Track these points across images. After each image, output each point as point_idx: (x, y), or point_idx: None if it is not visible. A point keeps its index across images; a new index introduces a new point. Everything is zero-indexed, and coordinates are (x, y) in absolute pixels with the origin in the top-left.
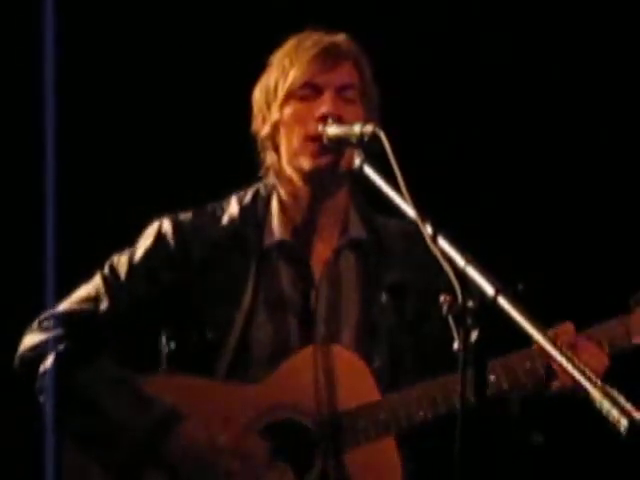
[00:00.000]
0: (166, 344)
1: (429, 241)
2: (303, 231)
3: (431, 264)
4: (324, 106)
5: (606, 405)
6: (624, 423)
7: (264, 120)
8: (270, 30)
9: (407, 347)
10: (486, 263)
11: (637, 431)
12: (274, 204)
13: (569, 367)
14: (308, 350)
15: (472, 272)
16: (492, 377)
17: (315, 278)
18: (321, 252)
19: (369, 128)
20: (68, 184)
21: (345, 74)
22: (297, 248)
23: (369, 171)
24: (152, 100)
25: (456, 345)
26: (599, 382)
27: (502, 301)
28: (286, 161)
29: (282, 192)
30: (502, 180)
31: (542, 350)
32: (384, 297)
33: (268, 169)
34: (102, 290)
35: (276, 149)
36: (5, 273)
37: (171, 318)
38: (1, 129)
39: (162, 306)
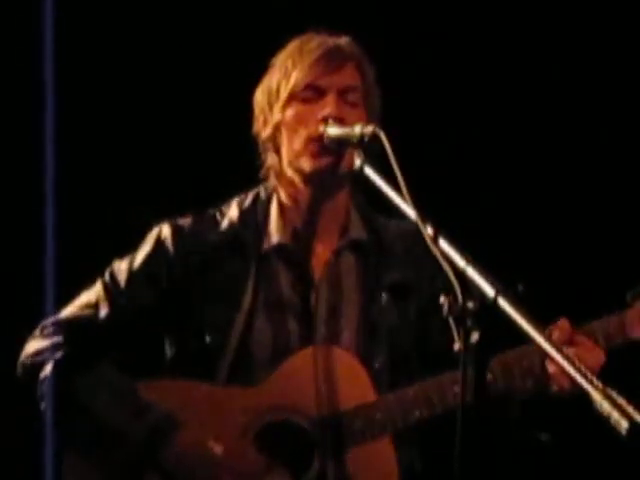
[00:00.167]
0: (168, 349)
1: (429, 242)
2: (303, 233)
3: (431, 264)
4: (326, 108)
5: (606, 407)
6: (625, 425)
7: (265, 121)
8: (272, 32)
9: (408, 347)
10: (486, 263)
11: (638, 434)
12: (274, 207)
13: (570, 369)
14: (306, 351)
15: (472, 273)
16: (489, 376)
17: (315, 279)
18: (321, 253)
19: (369, 129)
20: (68, 186)
21: (348, 76)
22: (296, 251)
23: (369, 172)
24: (153, 101)
25: (456, 346)
26: (600, 384)
27: (502, 302)
28: (287, 162)
29: (282, 194)
30: (502, 180)
31: (542, 351)
32: (384, 297)
33: (269, 170)
34: (102, 296)
35: (277, 150)
36: (5, 276)
37: (171, 323)
38: (0, 130)
39: (162, 311)
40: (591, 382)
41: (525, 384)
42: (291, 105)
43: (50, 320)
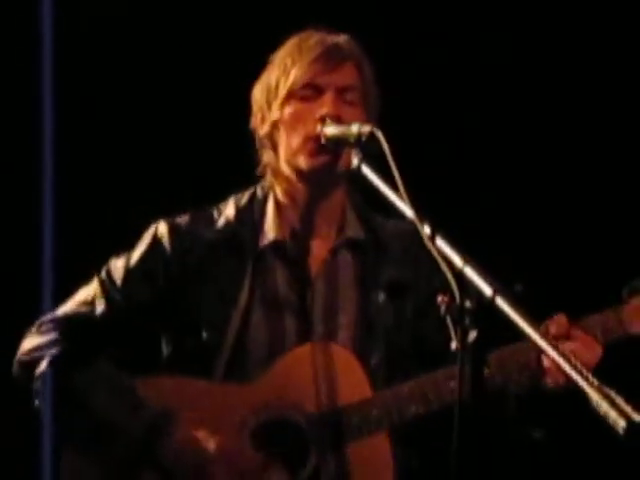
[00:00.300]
0: (164, 347)
1: (427, 241)
2: (299, 231)
3: (429, 263)
4: (324, 107)
5: (604, 406)
6: (622, 424)
7: (263, 119)
8: (270, 31)
9: (404, 346)
10: (484, 262)
11: (635, 433)
12: (270, 205)
13: (568, 369)
14: (303, 348)
15: (470, 272)
16: (486, 370)
17: (311, 277)
18: (318, 251)
19: (367, 128)
20: (66, 185)
21: (347, 75)
22: (293, 248)
23: (367, 171)
24: (151, 99)
25: (454, 345)
26: (597, 383)
27: (500, 302)
28: (284, 160)
29: (279, 192)
30: (499, 179)
31: (540, 350)
32: (381, 296)
33: (265, 168)
34: (99, 293)
35: (274, 148)
36: (3, 275)
37: (168, 320)
38: None
39: (158, 309)
40: (588, 381)
41: (521, 379)
42: (289, 103)
43: (47, 317)
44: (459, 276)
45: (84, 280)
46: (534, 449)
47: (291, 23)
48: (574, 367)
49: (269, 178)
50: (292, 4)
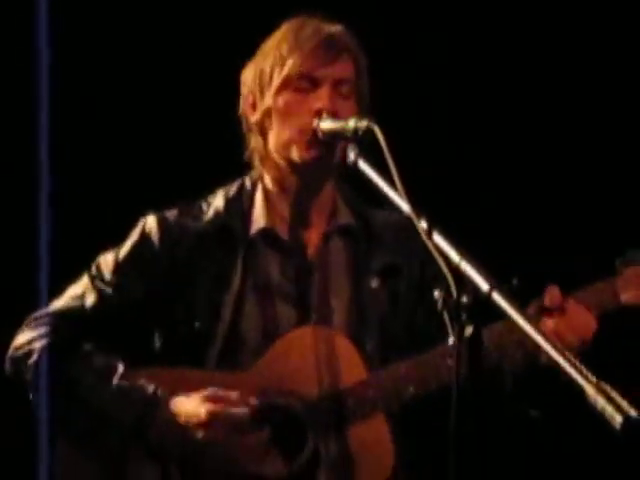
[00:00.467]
0: (156, 341)
1: (424, 236)
2: (289, 218)
3: (421, 253)
4: (320, 101)
5: (600, 401)
6: (619, 420)
7: (254, 105)
8: (258, 25)
9: (399, 331)
10: (480, 257)
11: (632, 428)
12: (259, 194)
13: (565, 365)
14: (295, 334)
15: (466, 267)
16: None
17: (304, 263)
18: (309, 238)
19: (364, 123)
20: (63, 182)
21: (343, 68)
22: (283, 235)
23: (364, 166)
24: (145, 95)
25: (450, 341)
26: (593, 378)
27: (496, 296)
28: (275, 149)
29: (267, 179)
30: (495, 173)
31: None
32: (375, 282)
33: (253, 152)
34: (89, 288)
35: (264, 135)
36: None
37: (159, 313)
38: None
39: (149, 302)
40: (585, 376)
41: (516, 355)
42: (284, 92)
43: (38, 313)
44: (456, 271)
45: (80, 276)
46: (530, 427)
47: (280, 12)
48: (571, 363)
49: (257, 164)
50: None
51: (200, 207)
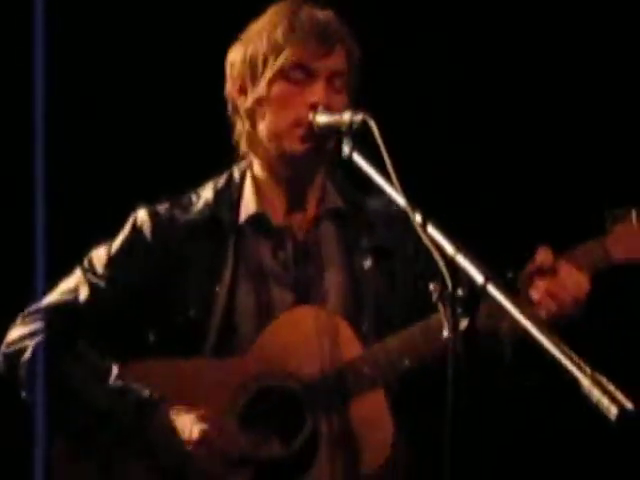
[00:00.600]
0: (150, 335)
1: (419, 229)
2: (279, 203)
3: (413, 233)
4: (316, 94)
5: (596, 393)
6: (614, 412)
7: (243, 90)
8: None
9: (395, 311)
10: (475, 249)
11: (627, 420)
12: (247, 183)
13: (561, 357)
14: (289, 315)
15: (462, 260)
16: None
17: (295, 247)
18: (300, 223)
19: (359, 117)
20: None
21: (338, 61)
22: (273, 220)
23: (358, 159)
24: (140, 91)
25: (445, 333)
26: (589, 370)
27: (491, 289)
28: (268, 138)
29: (256, 164)
30: (490, 166)
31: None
32: (368, 262)
33: (240, 136)
34: (82, 282)
35: (254, 122)
36: None
37: (152, 306)
38: None
39: (142, 294)
40: (581, 368)
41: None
42: (278, 82)
43: (30, 308)
44: (451, 264)
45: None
46: (529, 398)
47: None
48: (567, 355)
49: (244, 149)
50: None
51: (190, 199)
